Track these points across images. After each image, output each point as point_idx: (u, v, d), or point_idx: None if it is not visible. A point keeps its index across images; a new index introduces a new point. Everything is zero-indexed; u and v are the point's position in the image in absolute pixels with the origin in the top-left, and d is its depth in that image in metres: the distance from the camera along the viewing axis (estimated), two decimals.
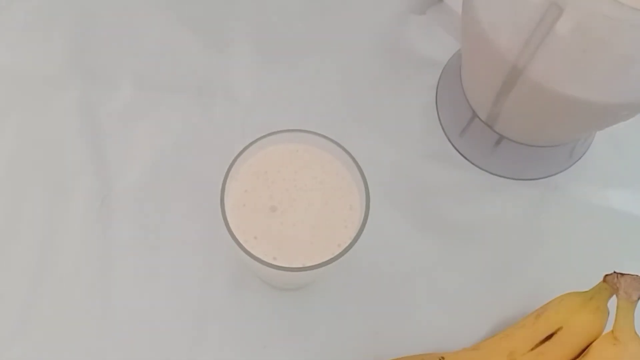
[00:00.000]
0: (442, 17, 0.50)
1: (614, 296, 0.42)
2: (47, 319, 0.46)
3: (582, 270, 0.44)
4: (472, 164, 0.52)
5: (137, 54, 0.55)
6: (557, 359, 0.43)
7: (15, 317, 0.46)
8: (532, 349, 0.43)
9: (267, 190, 0.40)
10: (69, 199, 0.49)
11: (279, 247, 0.39)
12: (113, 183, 0.50)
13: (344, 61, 0.55)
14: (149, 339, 0.46)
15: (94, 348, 0.46)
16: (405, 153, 0.52)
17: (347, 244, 0.38)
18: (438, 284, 0.49)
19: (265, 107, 0.53)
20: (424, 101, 0.54)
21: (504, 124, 0.48)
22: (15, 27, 0.55)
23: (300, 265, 0.38)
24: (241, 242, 0.38)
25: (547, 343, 0.43)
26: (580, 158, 0.53)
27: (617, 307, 0.41)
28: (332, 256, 0.38)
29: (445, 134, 0.54)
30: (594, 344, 0.42)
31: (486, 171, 0.52)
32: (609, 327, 0.42)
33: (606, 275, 0.42)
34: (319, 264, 0.38)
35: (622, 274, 0.41)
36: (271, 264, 0.38)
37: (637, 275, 0.41)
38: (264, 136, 0.40)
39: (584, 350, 0.43)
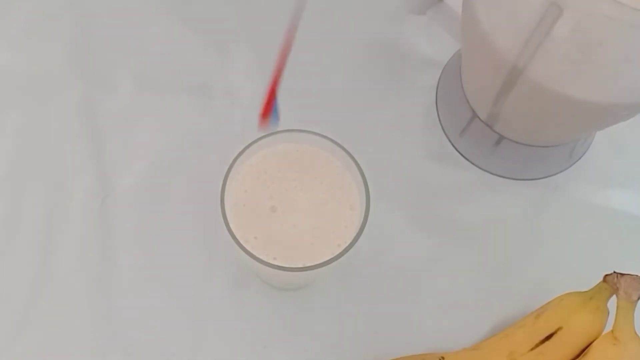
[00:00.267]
0: (442, 17, 0.50)
1: (614, 296, 0.42)
2: (47, 319, 0.46)
3: (582, 270, 0.44)
4: (472, 164, 0.52)
5: (137, 54, 0.55)
6: (557, 359, 0.43)
7: (15, 317, 0.46)
8: (532, 349, 0.43)
9: (267, 190, 0.40)
10: (69, 199, 0.49)
11: (279, 247, 0.39)
12: (113, 183, 0.50)
13: (344, 61, 0.55)
14: (149, 339, 0.46)
15: (94, 348, 0.46)
16: (405, 153, 0.52)
17: (347, 244, 0.38)
18: (438, 284, 0.49)
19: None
20: (424, 101, 0.54)
21: (504, 124, 0.48)
22: (16, 27, 0.55)
23: (301, 265, 0.38)
24: (241, 242, 0.38)
25: (547, 343, 0.43)
26: (580, 158, 0.53)
27: (617, 307, 0.41)
28: (332, 256, 0.38)
29: (445, 134, 0.54)
30: (594, 344, 0.42)
31: (486, 171, 0.52)
32: (609, 327, 0.42)
33: (606, 275, 0.42)
34: (319, 264, 0.38)
35: (622, 274, 0.41)
36: (271, 264, 0.38)
37: (637, 275, 0.41)
38: (264, 136, 0.40)
39: (584, 350, 0.43)
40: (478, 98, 0.49)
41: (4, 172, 0.50)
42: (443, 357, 0.44)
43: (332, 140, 0.41)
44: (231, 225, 0.38)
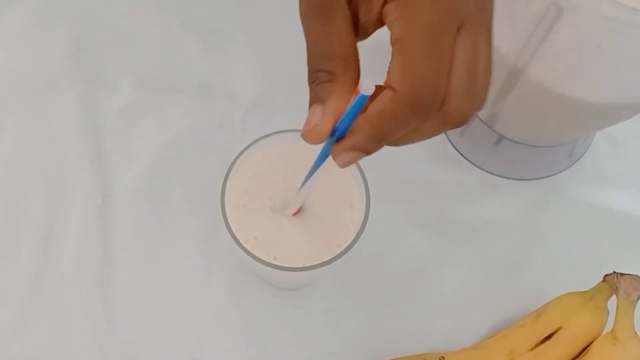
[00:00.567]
0: None
1: (614, 296, 0.42)
2: (47, 319, 0.46)
3: (582, 270, 0.44)
4: (472, 164, 0.52)
5: (137, 54, 0.55)
6: (557, 359, 0.43)
7: (15, 317, 0.46)
8: (532, 349, 0.43)
9: (267, 190, 0.40)
10: (70, 199, 0.49)
11: (279, 247, 0.39)
12: (113, 183, 0.50)
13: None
14: (149, 339, 0.46)
15: (94, 348, 0.46)
16: (405, 153, 0.52)
17: (347, 244, 0.38)
18: (438, 283, 0.49)
19: (265, 107, 0.53)
20: None
21: (504, 124, 0.48)
22: (16, 27, 0.55)
23: (301, 265, 0.38)
24: (242, 242, 0.38)
25: (547, 343, 0.43)
26: (580, 158, 0.53)
27: (617, 307, 0.41)
28: (332, 256, 0.38)
29: (445, 134, 0.54)
30: (593, 343, 0.42)
31: (486, 171, 0.52)
32: (608, 327, 0.42)
33: (606, 275, 0.42)
34: (319, 264, 0.38)
35: (621, 274, 0.41)
36: (271, 263, 0.38)
37: (636, 275, 0.41)
38: (264, 136, 0.40)
39: (584, 349, 0.43)
40: None
41: (4, 172, 0.50)
42: (443, 357, 0.44)
43: None
44: (231, 226, 0.38)
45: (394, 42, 0.28)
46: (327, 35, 0.30)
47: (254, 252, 0.38)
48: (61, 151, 0.51)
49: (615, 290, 0.42)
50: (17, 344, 0.46)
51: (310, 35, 0.30)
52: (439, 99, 0.28)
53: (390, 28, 0.29)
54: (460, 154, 0.53)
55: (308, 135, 0.30)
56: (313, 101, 0.30)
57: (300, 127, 0.38)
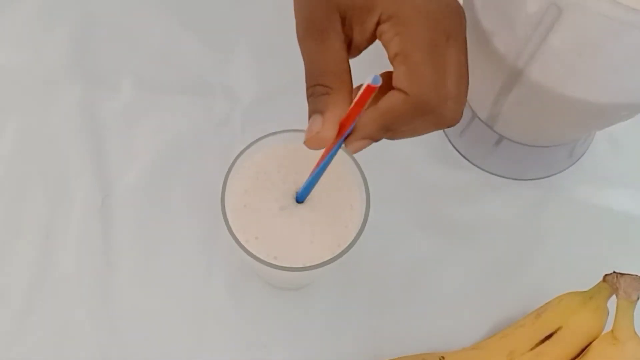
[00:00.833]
0: None
1: (614, 296, 0.42)
2: (48, 319, 0.46)
3: (582, 270, 0.44)
4: (472, 164, 0.52)
5: (137, 54, 0.55)
6: (557, 359, 0.43)
7: (15, 316, 0.46)
8: (532, 349, 0.43)
9: (267, 190, 0.40)
10: (70, 199, 0.49)
11: (280, 247, 0.39)
12: (113, 183, 0.50)
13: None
14: (149, 339, 0.46)
15: (94, 348, 0.46)
16: (405, 153, 0.52)
17: (347, 244, 0.38)
18: (438, 283, 0.49)
19: (265, 107, 0.53)
20: None
21: (504, 124, 0.48)
22: (16, 27, 0.55)
23: (301, 265, 0.38)
24: (242, 242, 0.38)
25: (546, 343, 0.43)
26: (580, 158, 0.53)
27: (617, 307, 0.41)
28: (332, 256, 0.38)
29: (445, 134, 0.54)
30: (593, 343, 0.42)
31: (486, 171, 0.52)
32: (608, 327, 0.42)
33: (606, 275, 0.42)
34: (319, 264, 0.38)
35: (621, 274, 0.41)
36: (272, 263, 0.38)
37: (636, 275, 0.41)
38: (264, 136, 0.40)
39: (583, 349, 0.43)
40: (478, 98, 0.49)
41: (4, 172, 0.50)
42: (443, 357, 0.44)
43: None
44: (232, 226, 0.38)
45: (395, 54, 0.33)
46: (323, 54, 0.34)
47: (254, 252, 0.38)
48: (61, 151, 0.51)
49: (615, 290, 0.42)
50: (17, 344, 0.46)
51: (307, 54, 0.34)
52: (441, 101, 0.33)
53: (387, 44, 0.33)
54: (460, 154, 0.53)
55: (311, 142, 0.34)
56: (312, 112, 0.34)
57: (300, 127, 0.38)
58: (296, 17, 0.35)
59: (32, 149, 0.51)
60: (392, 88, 0.33)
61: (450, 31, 0.33)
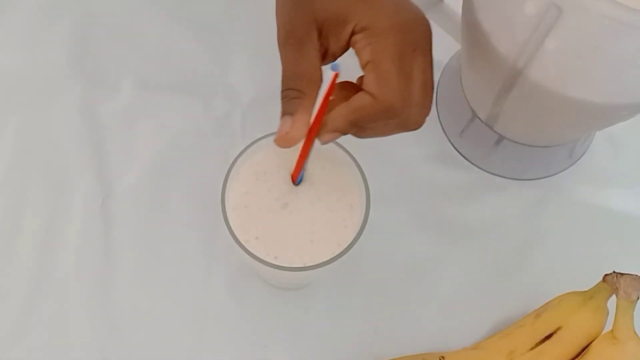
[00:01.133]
0: (442, 17, 0.50)
1: (614, 296, 0.42)
2: (48, 319, 0.46)
3: (582, 270, 0.44)
4: (472, 164, 0.52)
5: (137, 54, 0.55)
6: (557, 359, 0.43)
7: (15, 317, 0.46)
8: (532, 349, 0.43)
9: (267, 190, 0.40)
10: (70, 200, 0.49)
11: (280, 247, 0.39)
12: (113, 184, 0.50)
13: (343, 61, 0.55)
14: (149, 339, 0.46)
15: (95, 348, 0.46)
16: (405, 153, 0.52)
17: (347, 244, 0.38)
18: (438, 283, 0.49)
19: (265, 107, 0.53)
20: None
21: (504, 124, 0.48)
22: (16, 27, 0.55)
23: (301, 265, 0.38)
24: (242, 242, 0.38)
25: (546, 342, 0.43)
26: (579, 158, 0.53)
27: (617, 307, 0.41)
28: (332, 256, 0.38)
29: (445, 134, 0.54)
30: (593, 343, 0.42)
31: (486, 171, 0.52)
32: (608, 327, 0.42)
33: (606, 275, 0.42)
34: (319, 264, 0.38)
35: (621, 274, 0.41)
36: (272, 263, 0.38)
37: (636, 275, 0.41)
38: (264, 136, 0.40)
39: (583, 349, 0.43)
40: (478, 98, 0.49)
41: (4, 172, 0.50)
42: (443, 357, 0.44)
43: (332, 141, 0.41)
44: (232, 226, 0.38)
45: (366, 62, 0.36)
46: (298, 61, 0.37)
47: (254, 252, 0.38)
48: (61, 151, 0.51)
49: (615, 290, 0.42)
50: (17, 344, 0.46)
51: (284, 60, 0.38)
52: (406, 106, 0.36)
53: (359, 52, 0.37)
54: (460, 154, 0.53)
55: (280, 142, 0.37)
56: (284, 113, 0.37)
57: None
58: (277, 24, 0.38)
59: (32, 149, 0.51)
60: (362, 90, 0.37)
61: (418, 43, 0.37)
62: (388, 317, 0.47)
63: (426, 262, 0.49)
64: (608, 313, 0.43)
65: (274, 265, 0.38)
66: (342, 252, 0.38)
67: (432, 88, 0.38)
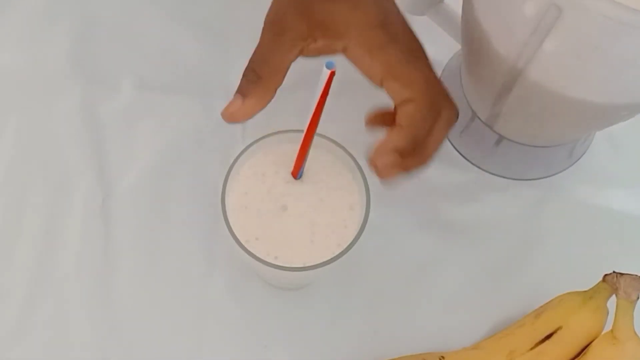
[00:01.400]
0: (442, 17, 0.50)
1: (614, 296, 0.42)
2: (48, 319, 0.46)
3: (582, 270, 0.44)
4: (472, 164, 0.52)
5: (137, 54, 0.55)
6: (557, 359, 0.43)
7: (15, 317, 0.46)
8: (532, 349, 0.43)
9: (267, 191, 0.40)
10: (70, 200, 0.49)
11: (280, 247, 0.39)
12: (114, 184, 0.50)
13: (343, 61, 0.55)
14: (149, 339, 0.46)
15: (95, 348, 0.46)
16: None
17: (347, 244, 0.38)
18: (438, 283, 0.49)
19: (266, 107, 0.53)
20: None
21: (504, 124, 0.48)
22: (16, 27, 0.55)
23: (301, 265, 0.38)
24: (242, 242, 0.38)
25: (546, 342, 0.43)
26: (579, 158, 0.53)
27: (617, 307, 0.41)
28: (332, 256, 0.38)
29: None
30: (593, 343, 0.42)
31: (486, 171, 0.52)
32: (608, 327, 0.42)
33: (606, 275, 0.42)
34: (319, 264, 0.38)
35: (621, 274, 0.42)
36: (272, 263, 0.38)
37: (636, 275, 0.41)
38: (264, 136, 0.40)
39: (583, 349, 0.43)
40: (478, 98, 0.49)
41: (4, 172, 0.50)
42: (443, 357, 0.44)
43: (332, 140, 0.41)
44: (232, 227, 0.38)
45: (381, 79, 0.38)
46: (271, 46, 0.38)
47: (254, 253, 0.38)
48: (61, 151, 0.51)
49: (615, 290, 0.42)
50: (17, 344, 0.46)
51: (261, 40, 0.38)
52: (442, 95, 0.38)
53: (368, 71, 0.39)
54: (460, 154, 0.53)
55: (225, 117, 0.38)
56: (238, 91, 0.38)
57: (300, 127, 0.39)
58: (270, 5, 0.38)
59: (32, 149, 0.51)
60: (394, 117, 0.38)
61: (416, 49, 0.39)
62: (388, 317, 0.47)
63: (426, 262, 0.49)
64: (608, 313, 0.43)
65: (274, 265, 0.38)
66: (342, 252, 0.38)
67: (441, 82, 0.39)
